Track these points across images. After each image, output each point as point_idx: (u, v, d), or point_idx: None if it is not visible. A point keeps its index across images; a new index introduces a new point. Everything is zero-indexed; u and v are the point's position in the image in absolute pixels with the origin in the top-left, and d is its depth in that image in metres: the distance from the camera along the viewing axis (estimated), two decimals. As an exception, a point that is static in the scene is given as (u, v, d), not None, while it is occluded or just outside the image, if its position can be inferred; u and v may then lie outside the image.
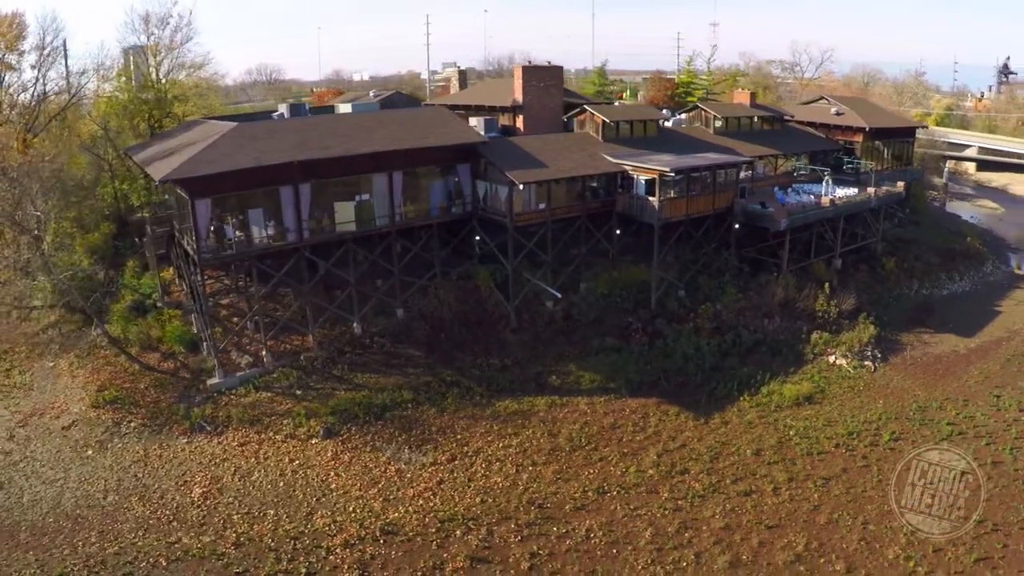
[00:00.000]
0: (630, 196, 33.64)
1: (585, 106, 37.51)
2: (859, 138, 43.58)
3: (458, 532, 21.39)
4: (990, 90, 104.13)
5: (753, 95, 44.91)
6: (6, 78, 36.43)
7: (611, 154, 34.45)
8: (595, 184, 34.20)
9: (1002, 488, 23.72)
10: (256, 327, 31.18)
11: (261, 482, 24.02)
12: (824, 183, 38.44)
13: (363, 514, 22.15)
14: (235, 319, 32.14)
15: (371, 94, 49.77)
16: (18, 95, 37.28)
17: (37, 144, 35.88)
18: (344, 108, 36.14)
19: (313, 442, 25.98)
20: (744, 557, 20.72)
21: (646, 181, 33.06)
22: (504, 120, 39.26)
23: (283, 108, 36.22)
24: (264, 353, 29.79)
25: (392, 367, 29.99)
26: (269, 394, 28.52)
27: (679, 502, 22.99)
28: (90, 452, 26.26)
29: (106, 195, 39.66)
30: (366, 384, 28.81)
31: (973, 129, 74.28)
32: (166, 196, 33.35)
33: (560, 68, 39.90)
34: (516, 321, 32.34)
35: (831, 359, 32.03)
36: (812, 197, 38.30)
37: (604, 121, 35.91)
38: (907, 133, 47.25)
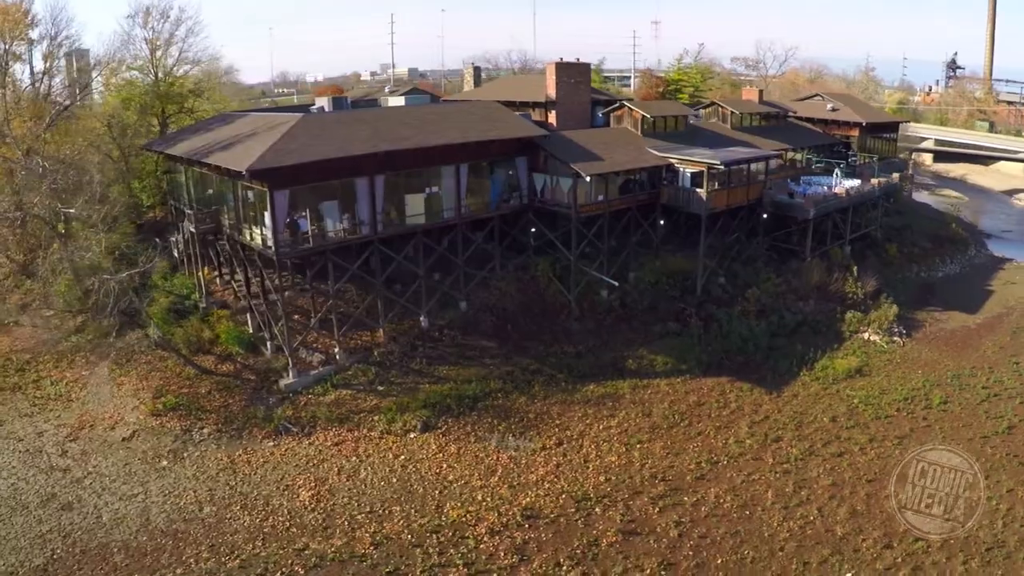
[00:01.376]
0: (675, 188, 35.00)
1: (623, 102, 38.65)
2: (855, 133, 47.11)
3: (597, 509, 21.76)
4: (937, 84, 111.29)
5: (761, 92, 47.63)
6: (12, 69, 33.45)
7: (654, 148, 35.71)
8: (637, 177, 35.32)
9: (1047, 438, 26.62)
10: (321, 324, 30.22)
11: (371, 480, 23.44)
12: (835, 175, 41.27)
13: (495, 502, 22.08)
14: (296, 316, 30.99)
15: (386, 90, 48.91)
16: (25, 87, 34.34)
17: (49, 139, 33.23)
18: (395, 101, 35.53)
19: (412, 436, 25.58)
20: (859, 508, 22.31)
21: (692, 174, 34.49)
22: (535, 115, 39.78)
23: (322, 102, 35.17)
24: (336, 350, 28.96)
25: (468, 359, 29.88)
26: (349, 391, 27.80)
27: (785, 466, 24.35)
28: (165, 463, 24.76)
29: (116, 193, 37.11)
30: (449, 376, 28.58)
31: (925, 122, 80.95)
32: (208, 191, 31.70)
33: (588, 65, 40.98)
34: (578, 310, 32.93)
35: (865, 336, 34.51)
36: (824, 188, 41.02)
37: (644, 116, 37.16)
38: (893, 128, 51.49)
